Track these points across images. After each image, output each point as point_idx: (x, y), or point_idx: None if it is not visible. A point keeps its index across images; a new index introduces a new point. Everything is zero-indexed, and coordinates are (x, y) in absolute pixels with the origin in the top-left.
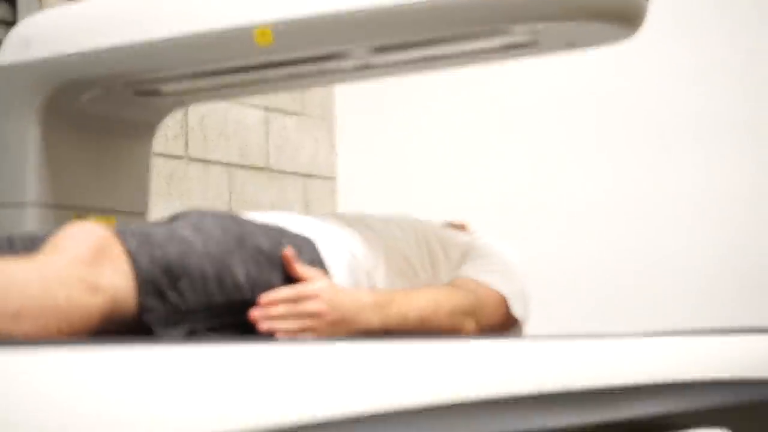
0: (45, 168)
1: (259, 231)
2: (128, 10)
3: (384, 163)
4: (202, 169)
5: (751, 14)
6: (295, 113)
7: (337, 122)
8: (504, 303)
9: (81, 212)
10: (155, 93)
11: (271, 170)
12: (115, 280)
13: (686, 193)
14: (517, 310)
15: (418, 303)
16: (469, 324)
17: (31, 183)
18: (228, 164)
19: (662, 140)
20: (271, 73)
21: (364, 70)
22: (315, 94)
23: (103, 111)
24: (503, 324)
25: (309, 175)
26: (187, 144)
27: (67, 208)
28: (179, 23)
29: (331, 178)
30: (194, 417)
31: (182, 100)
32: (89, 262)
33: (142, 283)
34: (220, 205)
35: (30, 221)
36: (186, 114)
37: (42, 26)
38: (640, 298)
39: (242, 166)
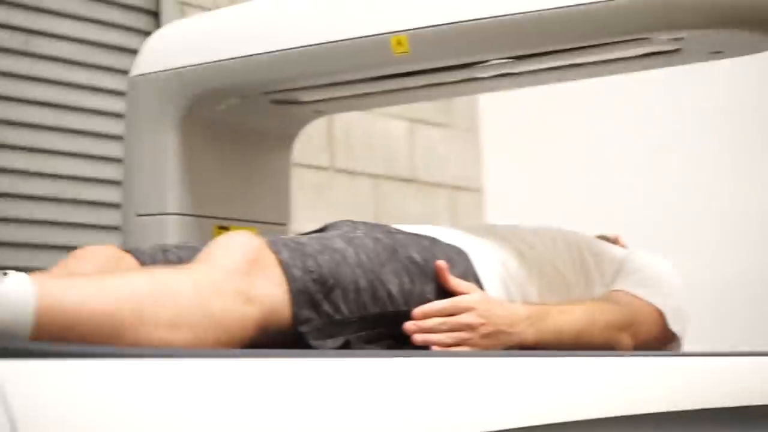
0: (185, 178)
1: (411, 242)
2: (265, 19)
3: (532, 174)
4: (347, 180)
5: None
6: (440, 124)
7: (484, 133)
8: (661, 318)
9: (221, 223)
10: (292, 102)
11: (417, 182)
12: (269, 291)
13: None
14: (674, 325)
15: (573, 317)
16: (625, 339)
17: (172, 193)
18: (374, 175)
19: None
20: (408, 82)
21: (504, 79)
22: (460, 105)
23: (241, 120)
24: (660, 339)
25: (456, 187)
26: (332, 155)
27: (207, 218)
28: (315, 32)
29: (478, 190)
30: (349, 428)
31: (320, 109)
32: (244, 272)
33: (296, 294)
34: (365, 216)
35: (171, 231)
36: (331, 125)
37: (179, 36)
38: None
39: (388, 178)
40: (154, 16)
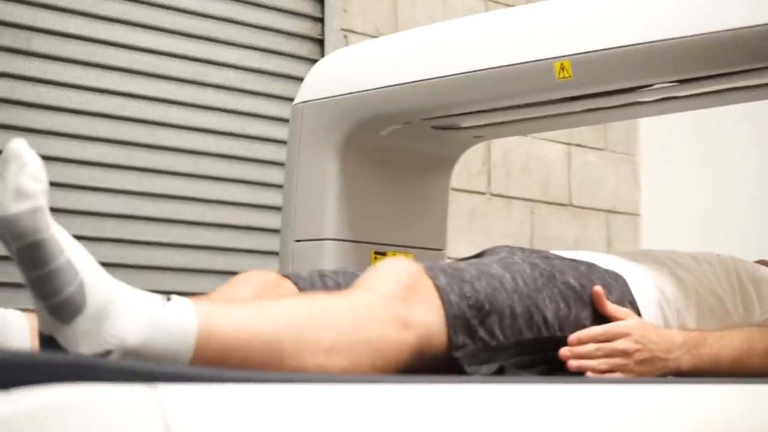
0: (344, 204)
1: (568, 267)
2: (427, 45)
3: (689, 199)
4: (504, 204)
5: None
6: (597, 148)
7: (642, 157)
8: None
9: (379, 248)
10: (454, 127)
11: (573, 206)
12: (425, 317)
13: None
14: None
15: (731, 343)
16: None
17: (330, 219)
18: (530, 200)
19: None
20: (570, 106)
21: (667, 103)
22: (618, 129)
23: (401, 146)
24: None
25: (612, 211)
26: (489, 180)
27: (365, 244)
28: (477, 58)
29: (635, 215)
30: None
31: (481, 134)
32: (401, 298)
33: (452, 320)
34: (521, 241)
35: (328, 256)
36: (489, 150)
37: (343, 63)
38: None
39: (544, 202)
40: (319, 44)
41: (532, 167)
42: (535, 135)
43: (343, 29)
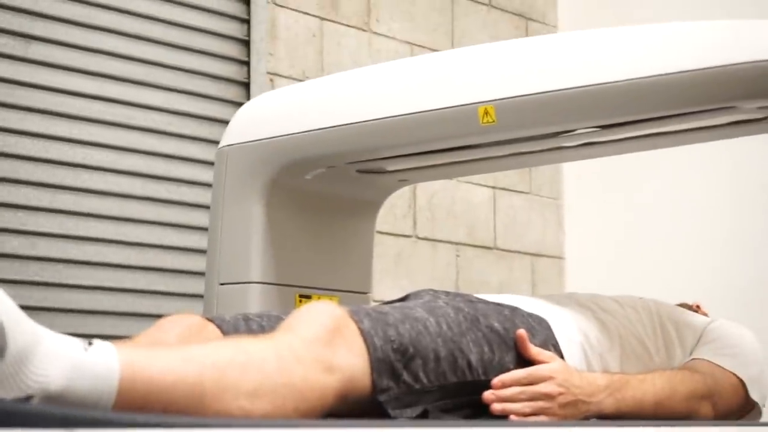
0: (269, 247)
1: (491, 311)
2: (352, 90)
3: (613, 243)
4: (429, 247)
5: None
6: (522, 192)
7: (566, 200)
8: (742, 387)
9: (304, 291)
10: (379, 171)
11: (499, 249)
12: (350, 360)
13: None
14: (754, 395)
15: (653, 386)
16: (706, 408)
17: (255, 262)
18: (455, 243)
19: None
20: (494, 151)
21: (589, 148)
22: (543, 172)
23: (327, 190)
24: (740, 409)
25: (537, 255)
26: (415, 223)
27: (290, 287)
28: (402, 103)
29: (559, 258)
30: None
31: (406, 178)
32: (325, 342)
33: (376, 363)
34: (447, 284)
35: (253, 300)
36: (414, 193)
37: (268, 107)
38: None
39: (470, 245)
40: (245, 87)
41: (457, 210)
42: (460, 178)
43: (269, 73)
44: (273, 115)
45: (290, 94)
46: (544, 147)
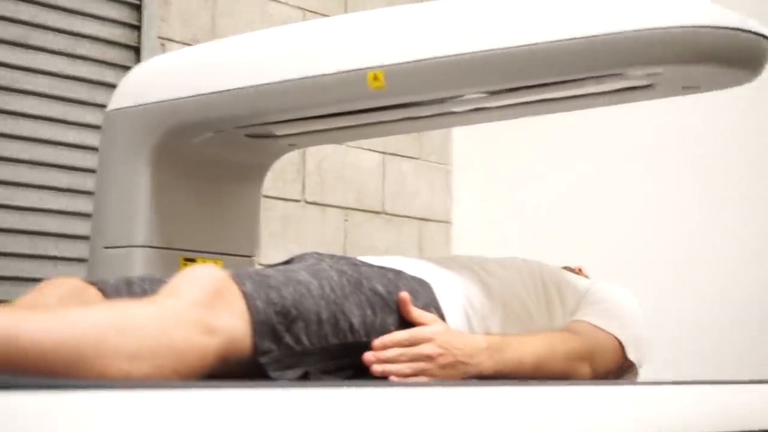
0: (154, 210)
1: (375, 274)
2: (241, 54)
3: (500, 207)
4: (318, 212)
5: None
6: (412, 157)
7: (454, 166)
8: (620, 348)
9: (188, 255)
10: (267, 136)
11: (387, 214)
12: (231, 322)
13: None
14: (631, 355)
15: (533, 347)
16: (584, 368)
17: (141, 225)
18: (344, 207)
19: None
20: (384, 116)
21: (478, 113)
22: (432, 139)
23: (214, 154)
24: (618, 369)
25: (425, 219)
26: (304, 187)
27: (175, 251)
28: (291, 67)
29: (446, 222)
30: None
31: (294, 142)
32: (206, 304)
33: (258, 326)
34: (335, 248)
35: (138, 263)
36: (304, 158)
37: (156, 71)
38: (755, 343)
39: (358, 210)
40: (135, 52)
41: (346, 175)
42: (350, 144)
43: (160, 37)
44: (161, 78)
45: (179, 57)
46: (434, 112)
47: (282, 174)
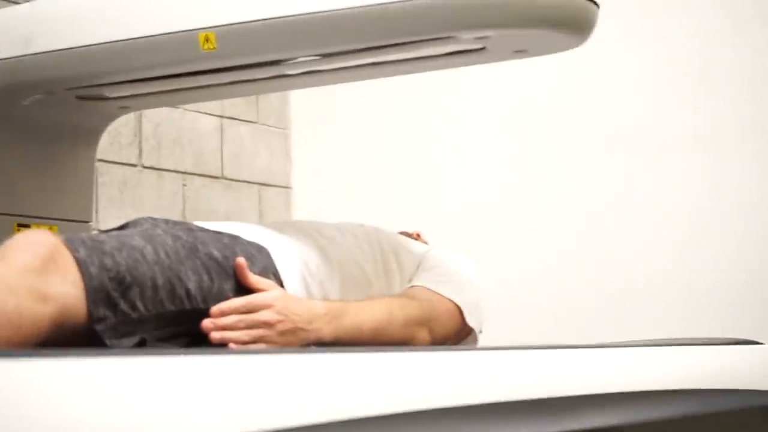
0: None
1: (211, 240)
2: (69, 13)
3: (340, 172)
4: (155, 177)
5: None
6: (250, 121)
7: (293, 130)
8: (458, 313)
9: (22, 220)
10: (98, 98)
11: (226, 179)
12: (64, 289)
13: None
14: (471, 320)
15: (371, 313)
16: (423, 334)
17: None
18: (182, 172)
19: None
20: (217, 78)
21: (312, 75)
22: (270, 103)
23: (45, 116)
24: (458, 334)
25: (264, 184)
26: (141, 152)
27: (7, 216)
28: (121, 27)
29: (286, 187)
30: (140, 428)
31: (127, 105)
32: (38, 270)
33: (92, 292)
34: (173, 213)
35: None
36: (140, 121)
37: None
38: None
39: (196, 175)
40: None
41: (184, 140)
42: (187, 108)
43: None
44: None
45: (5, 16)
46: (268, 75)
47: (118, 138)
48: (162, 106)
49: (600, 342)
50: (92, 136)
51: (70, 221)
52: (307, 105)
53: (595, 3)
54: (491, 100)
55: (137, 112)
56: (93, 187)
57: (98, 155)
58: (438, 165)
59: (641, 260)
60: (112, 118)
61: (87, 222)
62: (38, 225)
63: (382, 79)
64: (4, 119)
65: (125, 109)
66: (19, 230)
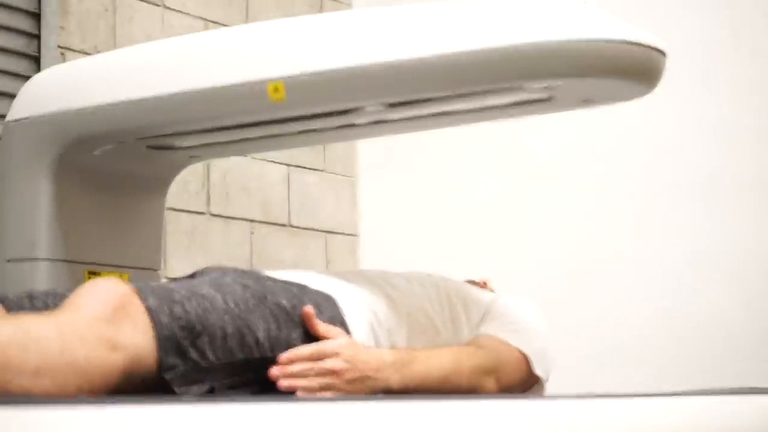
0: (57, 223)
1: (279, 289)
2: (141, 64)
3: (406, 220)
4: (223, 225)
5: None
6: (317, 169)
7: (360, 179)
8: (525, 362)
9: (93, 268)
10: (168, 147)
11: (293, 227)
12: (135, 338)
13: (695, 250)
14: (538, 369)
15: (439, 362)
16: (490, 383)
17: (43, 238)
18: (250, 220)
19: (672, 197)
20: (285, 128)
21: (379, 125)
22: (337, 150)
23: (116, 165)
24: (525, 383)
25: (331, 232)
26: (209, 199)
27: (78, 264)
28: (191, 78)
29: (353, 235)
30: None
31: (196, 154)
32: (109, 319)
33: (162, 341)
34: (241, 261)
35: (41, 277)
36: (208, 169)
37: (55, 81)
38: (652, 356)
39: (264, 223)
40: (36, 62)
41: (251, 188)
42: (255, 156)
43: (60, 47)
44: (60, 88)
45: (79, 67)
46: (335, 124)
47: (186, 186)
48: (231, 155)
49: (667, 390)
50: (162, 184)
51: (139, 269)
52: (375, 153)
53: (662, 52)
54: (559, 148)
55: (206, 162)
56: (162, 235)
57: (167, 203)
58: (505, 214)
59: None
60: (181, 167)
61: (156, 270)
62: (108, 273)
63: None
64: (76, 168)
65: (195, 159)
66: (90, 278)
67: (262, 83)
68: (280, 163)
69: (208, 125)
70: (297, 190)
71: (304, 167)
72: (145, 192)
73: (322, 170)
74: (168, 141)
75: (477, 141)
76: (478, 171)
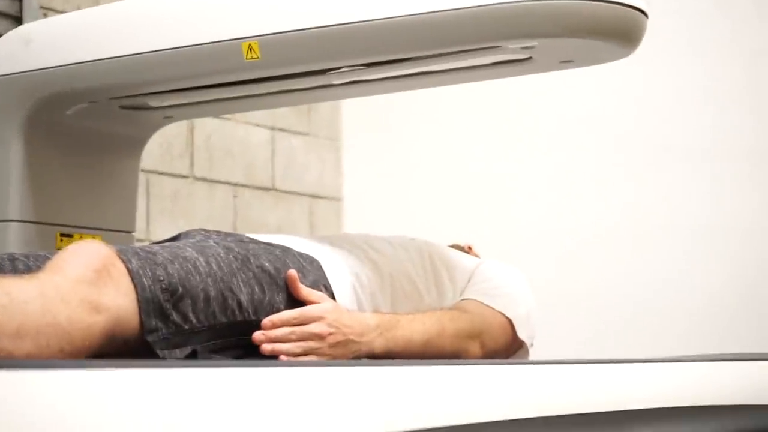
0: (28, 184)
1: (263, 252)
2: (112, 23)
3: (391, 184)
4: (207, 188)
5: (763, 36)
6: (301, 133)
7: (345, 142)
8: (509, 326)
9: (65, 230)
10: (142, 107)
11: (277, 190)
12: (117, 300)
13: (691, 218)
14: (522, 334)
15: (423, 326)
16: (474, 347)
17: (14, 199)
18: (233, 184)
19: (668, 165)
20: (261, 88)
21: (357, 86)
22: (322, 114)
23: (89, 126)
24: (509, 347)
25: (315, 196)
26: (192, 163)
27: (50, 225)
28: (165, 37)
29: (337, 199)
30: None
31: (170, 115)
32: (91, 281)
33: (145, 303)
34: (225, 225)
35: (12, 238)
36: (192, 133)
37: (24, 39)
38: (645, 323)
39: (248, 186)
40: (18, 22)
41: (235, 151)
42: (238, 119)
43: (42, 7)
44: (27, 47)
45: (50, 25)
46: (313, 84)
47: (170, 149)
48: (206, 116)
49: (649, 357)
50: (136, 145)
51: (113, 231)
52: (359, 117)
53: (643, 12)
54: (546, 110)
55: (189, 124)
56: (136, 197)
57: (150, 167)
58: (490, 176)
59: (672, 277)
60: (156, 127)
61: (130, 232)
62: (81, 235)
63: (433, 89)
64: (48, 128)
65: (169, 119)
66: (62, 240)
67: (237, 42)
68: (264, 127)
69: (183, 85)
70: (281, 154)
71: (289, 130)
72: (119, 153)
73: (306, 134)
74: (141, 101)
75: (462, 104)
76: (463, 134)
